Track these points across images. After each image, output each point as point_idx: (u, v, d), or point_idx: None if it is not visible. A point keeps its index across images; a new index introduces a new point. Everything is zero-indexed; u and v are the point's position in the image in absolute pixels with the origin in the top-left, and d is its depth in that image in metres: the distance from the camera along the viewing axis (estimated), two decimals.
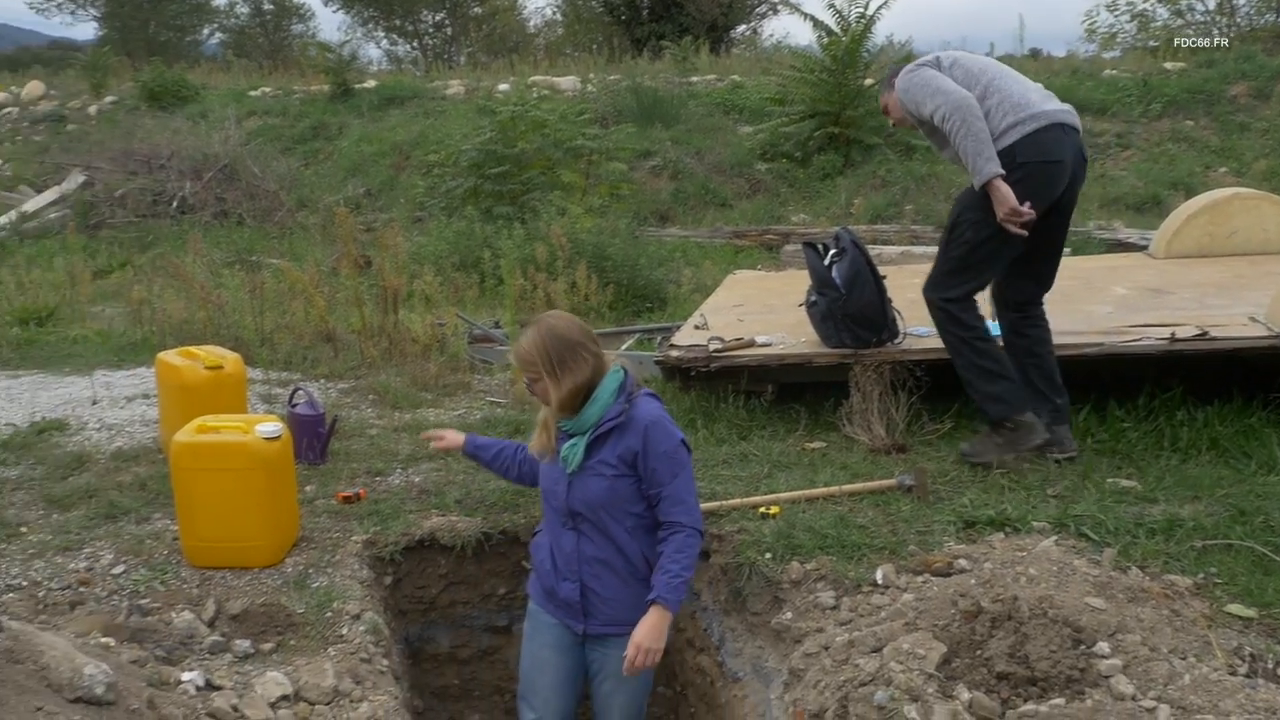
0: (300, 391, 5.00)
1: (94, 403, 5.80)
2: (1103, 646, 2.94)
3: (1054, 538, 3.64)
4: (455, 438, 3.64)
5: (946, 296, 4.41)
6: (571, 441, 3.20)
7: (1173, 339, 4.69)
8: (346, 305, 7.43)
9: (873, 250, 6.60)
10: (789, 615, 3.50)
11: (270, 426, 3.71)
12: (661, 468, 3.16)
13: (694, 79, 18.55)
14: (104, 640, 3.01)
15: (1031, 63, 19.45)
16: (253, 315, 7.16)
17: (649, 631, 3.08)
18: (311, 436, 4.78)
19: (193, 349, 4.79)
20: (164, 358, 4.75)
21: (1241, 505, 3.86)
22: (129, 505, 4.28)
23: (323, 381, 6.33)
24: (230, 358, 4.74)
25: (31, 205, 12.71)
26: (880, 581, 3.49)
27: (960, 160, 4.20)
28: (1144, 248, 8.22)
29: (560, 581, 3.30)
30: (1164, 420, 4.69)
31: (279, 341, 6.91)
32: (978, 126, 4.10)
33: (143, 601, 3.44)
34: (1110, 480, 4.22)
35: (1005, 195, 4.04)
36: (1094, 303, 5.62)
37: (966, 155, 4.12)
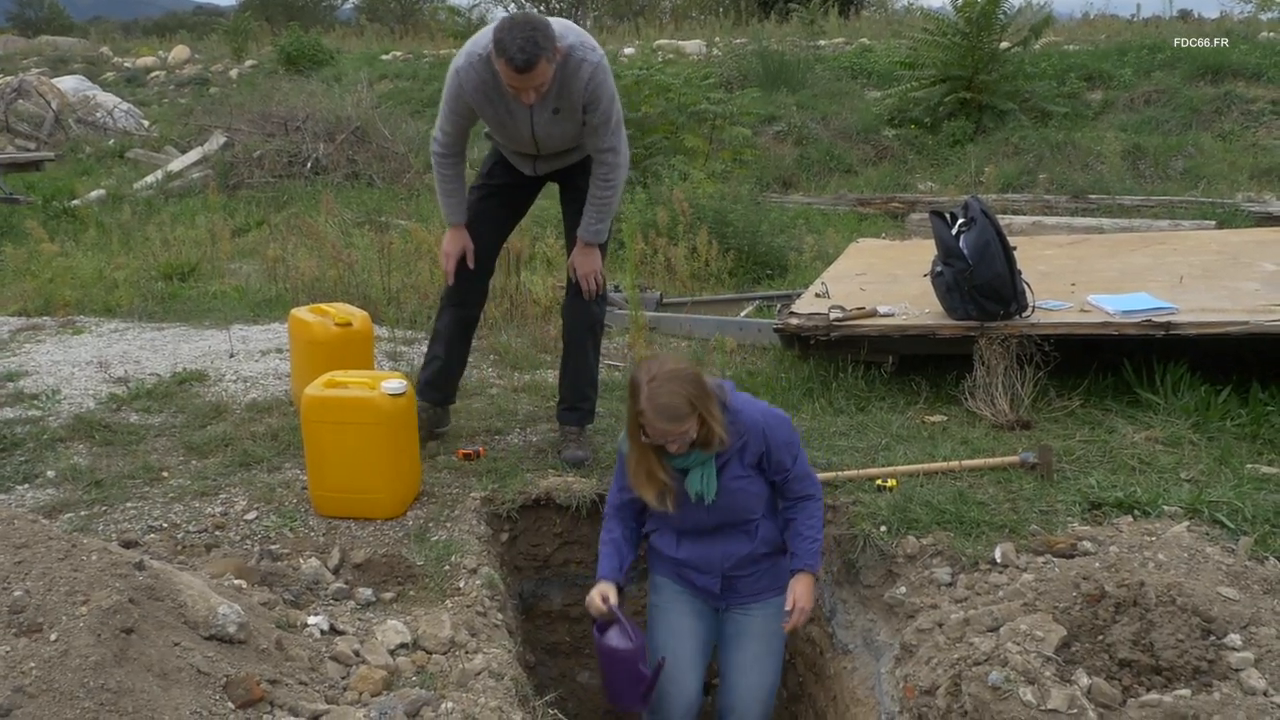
0: (609, 610, 3.55)
1: (231, 355, 6.05)
2: (1234, 638, 2.82)
3: (1186, 523, 3.50)
4: (608, 590, 3.51)
5: None
6: (697, 473, 3.30)
7: None
8: None
9: (1003, 220, 6.40)
10: (903, 590, 3.45)
11: (395, 383, 3.81)
12: (785, 456, 3.35)
13: (821, 43, 18.19)
14: (237, 582, 3.16)
15: (1180, 25, 18.48)
16: (380, 274, 7.35)
17: (805, 593, 3.35)
18: (629, 677, 3.60)
19: (323, 306, 4.94)
20: (296, 314, 4.92)
21: None
22: (262, 454, 4.47)
23: None
24: (359, 315, 4.88)
25: (176, 165, 13.27)
26: (999, 560, 3.41)
27: None
28: None
29: (698, 575, 3.51)
30: None
31: (405, 300, 7.07)
32: None
33: (273, 547, 3.60)
34: (1250, 466, 4.02)
35: None
36: (1240, 279, 5.35)
37: None
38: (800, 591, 3.36)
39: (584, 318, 4.43)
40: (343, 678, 2.82)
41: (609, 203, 4.15)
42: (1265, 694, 2.62)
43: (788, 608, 3.35)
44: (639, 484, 3.32)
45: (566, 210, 4.43)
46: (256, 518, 3.84)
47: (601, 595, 3.48)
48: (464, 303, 4.46)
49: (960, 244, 4.90)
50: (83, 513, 3.91)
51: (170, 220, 10.36)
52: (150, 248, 9.15)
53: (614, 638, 3.52)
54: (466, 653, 3.05)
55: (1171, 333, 4.59)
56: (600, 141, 4.04)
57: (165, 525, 3.78)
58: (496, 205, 4.39)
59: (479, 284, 4.47)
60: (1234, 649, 2.79)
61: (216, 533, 3.71)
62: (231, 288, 8.02)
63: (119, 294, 7.73)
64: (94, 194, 11.93)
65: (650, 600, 3.73)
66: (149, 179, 12.86)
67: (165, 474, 4.31)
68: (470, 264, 4.31)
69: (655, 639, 3.63)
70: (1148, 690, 2.75)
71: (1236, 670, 2.72)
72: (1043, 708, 2.60)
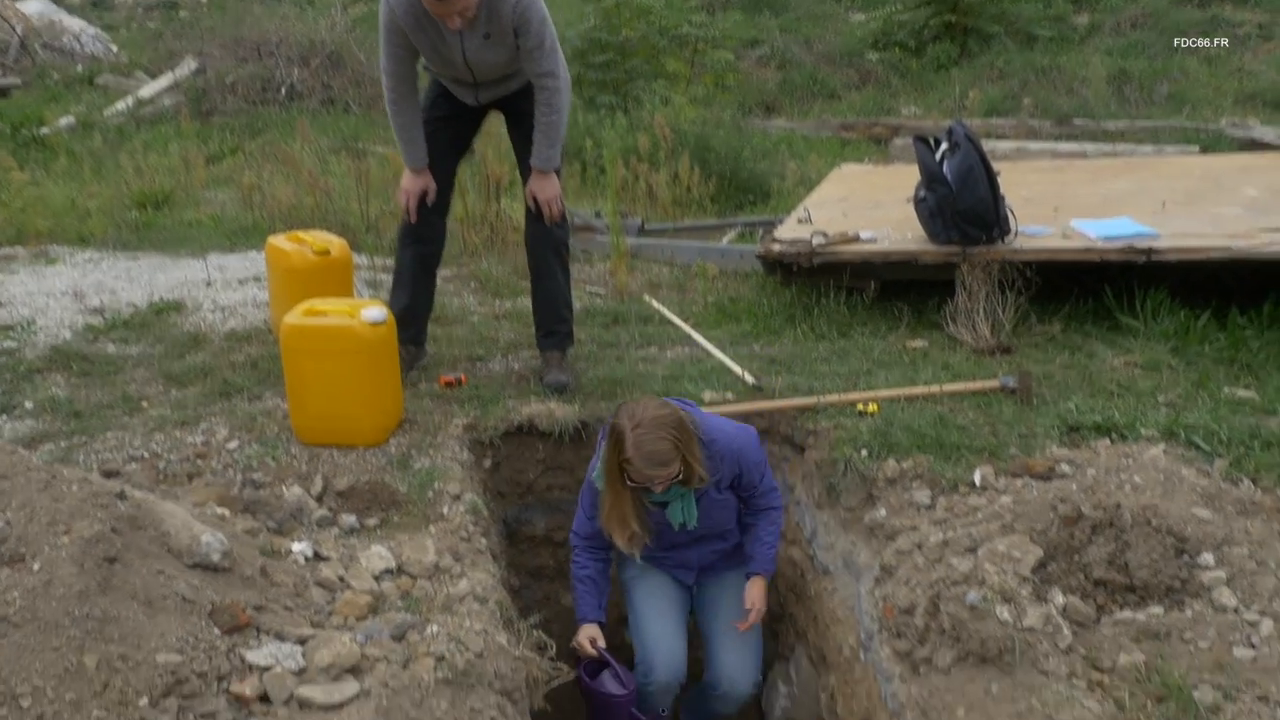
0: (601, 655, 3.64)
1: (208, 285, 5.99)
2: (1207, 558, 2.87)
3: (1163, 446, 3.54)
4: (595, 633, 3.62)
5: None
6: (677, 505, 3.43)
7: None
8: None
9: (986, 145, 6.35)
10: (883, 512, 3.49)
11: (374, 312, 3.78)
12: (755, 475, 3.52)
13: None
14: (220, 511, 3.16)
15: None
16: (358, 202, 7.26)
17: (760, 595, 3.61)
18: (614, 716, 3.69)
19: (301, 234, 4.88)
20: (273, 242, 4.86)
21: None
22: (242, 384, 4.45)
23: None
24: (337, 243, 4.82)
25: (147, 91, 12.97)
26: (978, 483, 3.44)
27: None
28: None
29: (674, 569, 3.73)
30: None
31: (384, 228, 7.00)
32: None
33: (255, 475, 3.60)
34: (1226, 390, 4.06)
35: None
36: (1223, 204, 5.34)
37: None
38: (755, 594, 3.60)
39: (548, 240, 4.41)
40: (328, 603, 2.84)
41: (555, 127, 4.11)
42: (1236, 611, 2.68)
43: (746, 607, 3.59)
44: (611, 527, 3.40)
45: (515, 138, 4.39)
46: (238, 447, 3.84)
47: (590, 639, 3.60)
48: (423, 239, 4.43)
49: (944, 169, 4.87)
50: (62, 444, 3.89)
51: (142, 148, 10.16)
52: (123, 176, 8.99)
53: (608, 683, 3.63)
54: (451, 577, 3.07)
55: (1153, 258, 4.60)
56: (537, 66, 3.99)
57: (146, 455, 3.77)
58: (444, 139, 4.33)
59: (437, 220, 4.45)
60: (1206, 568, 2.84)
61: (198, 462, 3.71)
62: (207, 216, 7.92)
63: (92, 223, 7.61)
64: (63, 121, 11.68)
65: (622, 575, 3.84)
66: (119, 106, 12.59)
67: (145, 404, 4.29)
68: (430, 200, 4.28)
69: (635, 607, 3.75)
70: (1122, 608, 2.80)
71: (1208, 589, 2.77)
72: (1019, 626, 2.65)
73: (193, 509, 3.04)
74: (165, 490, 3.39)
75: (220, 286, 5.97)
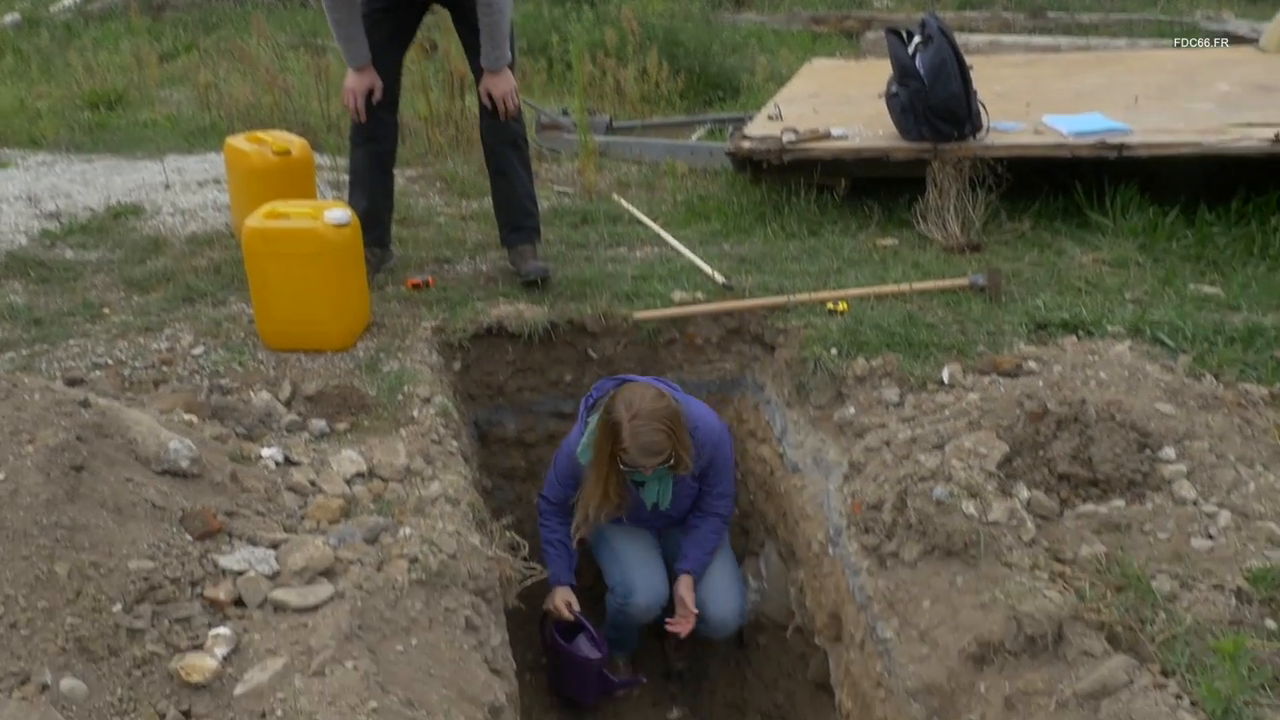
0: (577, 618, 3.81)
1: (167, 187, 5.86)
2: (1168, 452, 2.92)
3: (1128, 342, 3.57)
4: (570, 596, 3.78)
5: None
6: (654, 486, 3.60)
7: (1276, 139, 4.42)
8: (412, 91, 7.30)
9: (959, 39, 6.25)
10: (852, 410, 3.51)
11: (338, 213, 3.71)
12: (723, 474, 3.72)
13: None
14: (187, 417, 3.13)
15: None
16: (319, 100, 7.08)
17: (690, 593, 3.75)
18: (593, 682, 3.93)
19: (260, 134, 4.76)
20: (232, 142, 4.74)
21: None
22: (205, 288, 4.38)
23: None
24: (297, 143, 4.71)
25: None
26: (946, 380, 3.47)
27: None
28: (1254, 41, 7.66)
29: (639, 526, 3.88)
30: (1256, 226, 4.49)
31: (345, 127, 6.81)
32: None
33: (222, 381, 3.56)
34: (1192, 286, 4.09)
35: None
36: (1195, 99, 5.31)
37: None
38: (685, 592, 3.75)
39: (505, 134, 4.35)
40: (300, 508, 2.84)
41: (498, 25, 4.01)
42: (1195, 503, 2.73)
43: (681, 614, 3.74)
44: (595, 503, 3.53)
45: (462, 35, 4.30)
46: (204, 352, 3.79)
47: (566, 602, 3.74)
48: (375, 137, 4.33)
49: (916, 63, 4.79)
50: (24, 352, 3.83)
51: (92, 45, 9.83)
52: (73, 75, 8.70)
53: (584, 647, 3.83)
54: (423, 480, 3.07)
55: (1124, 154, 4.58)
56: None
57: (110, 362, 3.72)
58: (385, 32, 4.20)
59: (387, 116, 4.35)
60: (1168, 462, 2.89)
61: (163, 368, 3.66)
62: (163, 116, 7.71)
63: (43, 125, 7.39)
64: (8, 18, 11.25)
65: (600, 539, 3.96)
66: (66, 1, 12.13)
67: (106, 310, 4.22)
68: (376, 97, 4.17)
69: (609, 541, 3.87)
70: (1084, 502, 2.85)
71: (1169, 482, 2.83)
72: (984, 520, 2.70)
73: (159, 416, 3.01)
74: (131, 398, 3.35)
75: (179, 189, 5.83)
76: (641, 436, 3.26)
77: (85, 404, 2.63)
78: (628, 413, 3.27)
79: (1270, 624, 2.28)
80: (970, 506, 2.72)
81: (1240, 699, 2.01)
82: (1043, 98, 5.56)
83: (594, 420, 3.48)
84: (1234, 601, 2.36)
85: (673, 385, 3.63)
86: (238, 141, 4.72)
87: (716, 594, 3.83)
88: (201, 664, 2.15)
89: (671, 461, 3.38)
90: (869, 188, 5.21)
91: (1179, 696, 2.07)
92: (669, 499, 3.67)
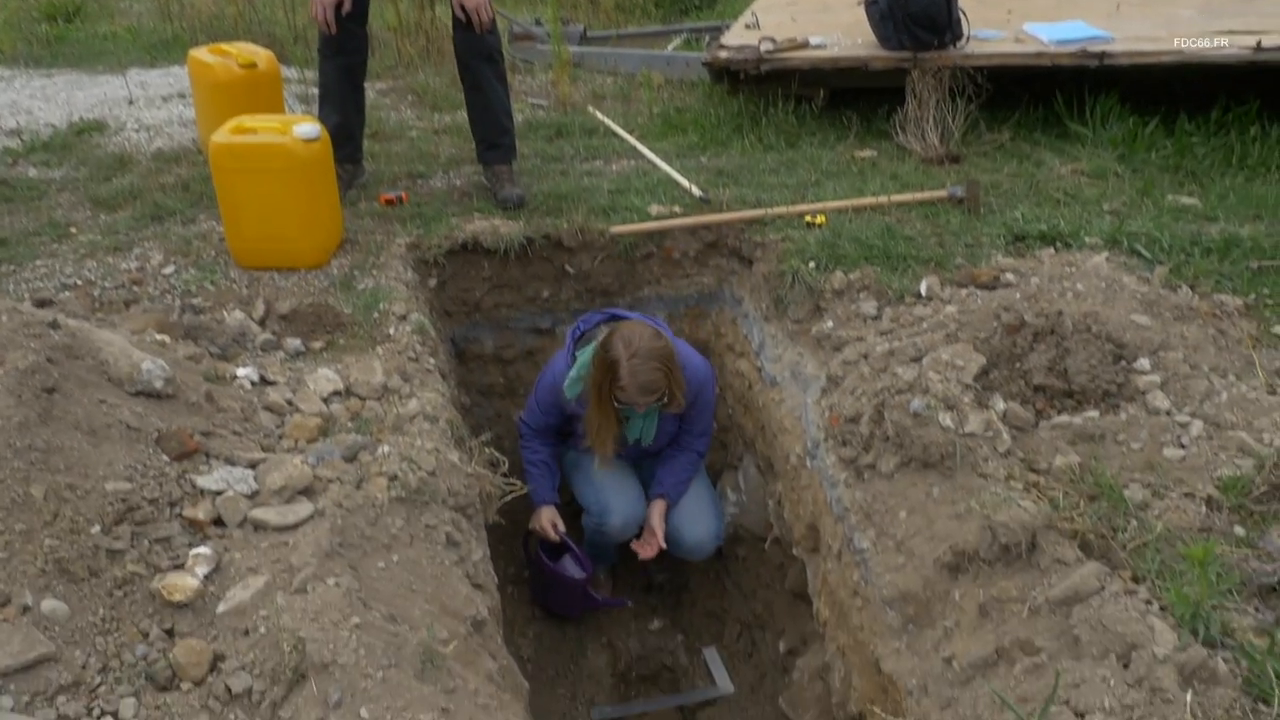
0: (562, 539, 3.86)
1: (130, 102, 5.71)
2: (1143, 363, 2.94)
3: (1106, 254, 3.57)
4: (555, 516, 3.81)
5: None
6: (638, 422, 3.61)
7: (1258, 47, 4.38)
8: (381, 1, 7.12)
9: None
10: (830, 324, 3.51)
11: (308, 128, 3.63)
12: (705, 414, 3.75)
13: None
14: (159, 337, 3.10)
15: None
16: (284, 10, 6.88)
17: (661, 519, 3.79)
18: (577, 599, 4.05)
19: (224, 46, 4.63)
20: (196, 55, 4.61)
21: None
22: (174, 206, 4.29)
23: None
24: (263, 55, 4.59)
25: None
26: (924, 293, 3.47)
27: None
28: None
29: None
30: (1235, 136, 4.48)
31: (313, 39, 6.65)
32: None
33: (195, 300, 3.52)
34: (1170, 197, 4.08)
35: None
36: (1177, 6, 5.24)
37: None
38: (657, 520, 3.78)
39: (479, 47, 4.24)
40: (277, 427, 2.83)
41: None
42: (1168, 413, 2.76)
43: (647, 539, 3.77)
44: (598, 443, 3.55)
45: None
46: (174, 272, 3.73)
47: (551, 522, 3.78)
48: (345, 50, 4.20)
49: None
50: None
51: None
52: None
53: (569, 567, 3.90)
54: (400, 398, 3.06)
55: (1105, 63, 4.53)
56: None
57: (79, 283, 3.66)
58: None
59: (357, 28, 4.22)
60: (1142, 373, 2.91)
61: (134, 288, 3.61)
62: (123, 28, 7.48)
63: None
64: None
65: (568, 455, 3.97)
66: None
67: (74, 230, 4.14)
68: (346, 8, 4.05)
69: (583, 466, 3.86)
70: (1059, 413, 2.88)
71: (1143, 392, 2.85)
72: (960, 431, 2.71)
73: (131, 337, 2.97)
74: (101, 319, 3.31)
75: (143, 104, 5.69)
76: (640, 375, 3.25)
77: (55, 325, 2.59)
78: (626, 351, 3.26)
79: (1239, 530, 2.32)
80: (947, 418, 2.74)
81: (1208, 603, 2.05)
82: (1024, 4, 5.48)
83: (583, 354, 3.46)
84: (1204, 509, 2.40)
85: (660, 323, 3.63)
86: (201, 54, 4.59)
87: (692, 519, 3.86)
88: (183, 583, 2.16)
89: (664, 400, 3.40)
90: (847, 98, 5.14)
91: (1149, 602, 2.11)
92: (652, 437, 3.69)
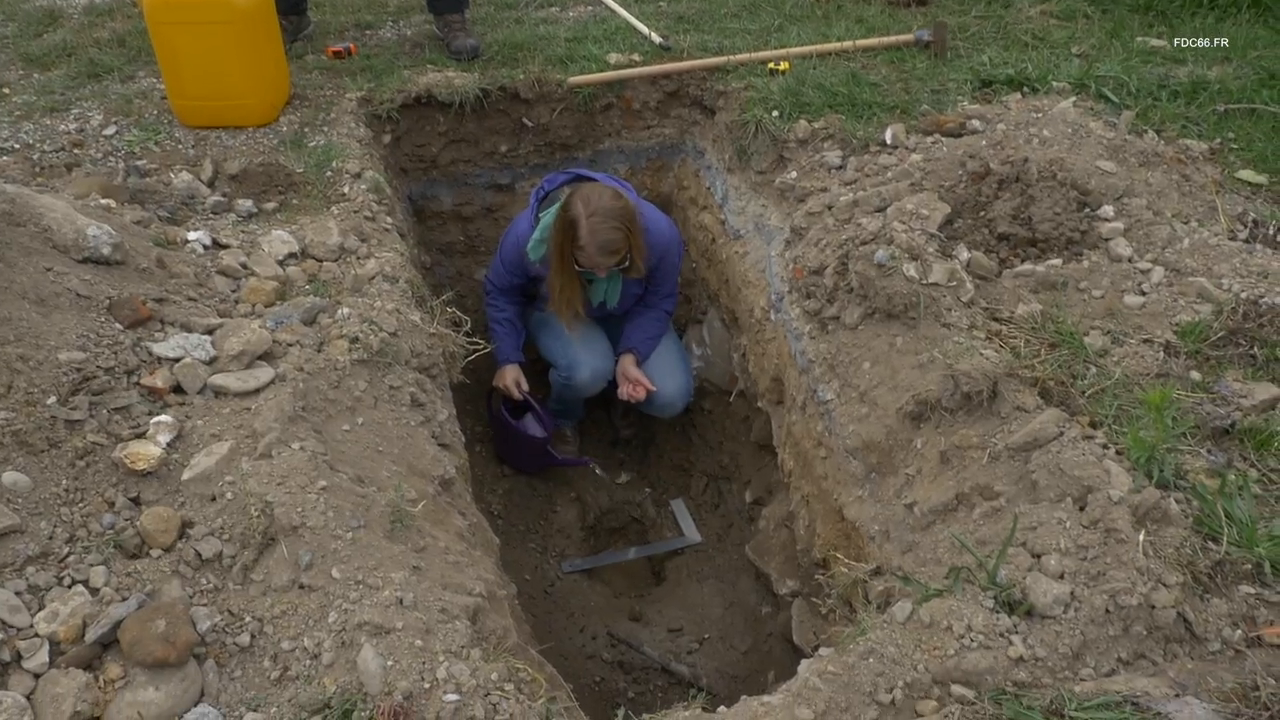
0: (525, 397, 3.90)
1: None
2: (1107, 210, 2.93)
3: (1073, 99, 3.51)
4: (519, 375, 3.84)
5: None
6: (602, 285, 3.59)
7: None
8: None
9: None
10: (794, 174, 3.46)
11: None
12: (670, 275, 3.73)
13: None
14: (104, 202, 2.99)
15: None
16: None
17: (636, 371, 3.81)
18: (538, 457, 4.10)
19: None
20: None
21: (1273, 68, 3.69)
22: (111, 63, 4.10)
23: None
24: None
25: None
26: (889, 141, 3.41)
27: None
28: None
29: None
30: None
31: None
32: None
33: (139, 163, 3.39)
34: (1140, 39, 4.01)
35: None
36: None
37: None
38: (631, 370, 3.81)
39: None
40: (233, 291, 2.77)
41: None
42: (1130, 260, 2.77)
43: (630, 387, 3.79)
44: (561, 305, 3.53)
45: None
46: (116, 133, 3.59)
47: (515, 380, 3.79)
48: None
49: None
50: None
51: None
52: None
53: (531, 425, 3.95)
54: (358, 258, 3.00)
55: None
56: None
57: (17, 146, 3.51)
58: None
59: None
60: (1106, 220, 2.91)
61: (75, 151, 3.47)
62: None
63: None
64: None
65: (535, 314, 3.95)
66: None
67: (6, 90, 3.95)
68: None
69: (551, 324, 3.84)
70: (1023, 261, 2.88)
71: (1106, 240, 2.85)
72: (924, 281, 2.71)
73: (74, 202, 2.86)
74: (42, 184, 3.19)
75: None
76: (599, 235, 3.22)
77: None
78: (585, 209, 3.22)
79: (1195, 375, 2.36)
80: (911, 269, 2.73)
81: (1163, 447, 2.09)
82: None
83: (546, 215, 3.40)
84: (1162, 355, 2.43)
85: (627, 185, 3.55)
86: None
87: (663, 375, 3.88)
88: (146, 451, 2.14)
89: (625, 264, 3.38)
90: None
91: (1105, 446, 2.15)
92: (616, 299, 3.68)
